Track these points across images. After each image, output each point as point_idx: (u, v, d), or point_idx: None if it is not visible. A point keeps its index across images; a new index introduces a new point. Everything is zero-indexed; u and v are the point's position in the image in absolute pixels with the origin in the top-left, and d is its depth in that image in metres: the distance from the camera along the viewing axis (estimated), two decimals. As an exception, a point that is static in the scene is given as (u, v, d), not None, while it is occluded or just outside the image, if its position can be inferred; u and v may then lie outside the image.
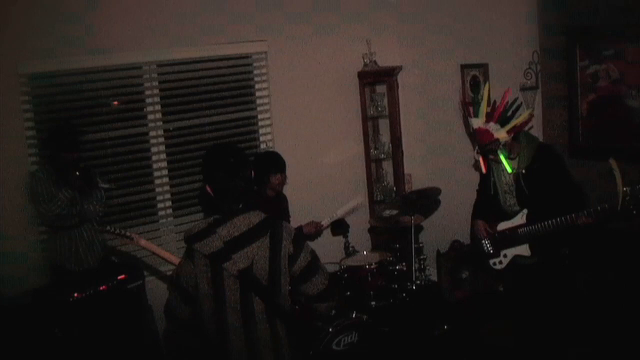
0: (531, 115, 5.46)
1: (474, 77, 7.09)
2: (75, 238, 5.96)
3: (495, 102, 5.19)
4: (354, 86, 7.75)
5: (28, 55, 6.21)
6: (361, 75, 7.73)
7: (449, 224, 7.61)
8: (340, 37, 7.63)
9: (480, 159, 5.31)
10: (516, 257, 5.47)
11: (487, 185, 5.59)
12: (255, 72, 7.41)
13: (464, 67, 7.19)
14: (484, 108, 5.15)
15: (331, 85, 7.67)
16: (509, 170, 5.20)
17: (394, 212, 6.47)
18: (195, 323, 3.70)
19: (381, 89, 7.86)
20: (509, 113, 5.12)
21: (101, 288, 5.71)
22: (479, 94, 5.65)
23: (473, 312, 6.60)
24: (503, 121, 5.09)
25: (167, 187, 7.03)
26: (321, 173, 7.66)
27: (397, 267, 6.29)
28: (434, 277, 7.32)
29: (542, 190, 5.21)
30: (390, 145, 7.83)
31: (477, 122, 5.18)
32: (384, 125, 7.94)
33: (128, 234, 4.55)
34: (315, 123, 7.61)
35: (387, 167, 8.03)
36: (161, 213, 7.03)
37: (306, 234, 6.20)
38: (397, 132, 7.73)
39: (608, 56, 5.79)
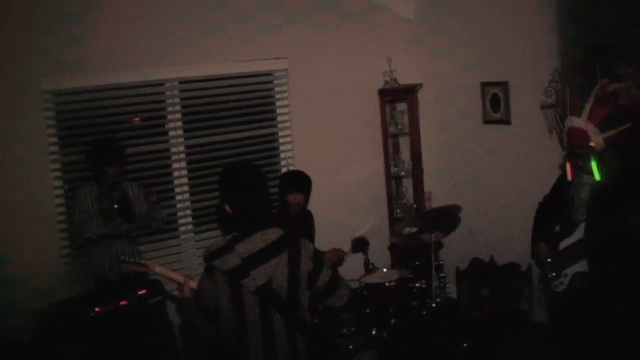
0: (628, 129, 5.07)
1: (494, 94, 7.09)
2: (115, 249, 6.11)
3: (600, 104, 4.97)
4: (374, 103, 7.78)
5: (52, 72, 6.29)
6: (382, 92, 7.75)
7: (468, 241, 7.60)
8: (360, 55, 7.67)
9: (568, 165, 5.14)
10: (576, 275, 5.26)
11: (562, 196, 5.36)
12: (277, 89, 7.46)
13: (484, 85, 7.20)
14: (589, 107, 4.98)
15: (352, 102, 7.70)
16: (597, 178, 4.95)
17: (414, 229, 6.46)
18: (218, 338, 3.72)
19: (401, 106, 7.88)
20: (612, 120, 4.93)
21: (122, 303, 5.73)
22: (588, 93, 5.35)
23: (493, 330, 6.58)
24: (603, 126, 4.91)
25: (187, 203, 7.07)
26: (341, 190, 7.68)
27: (417, 285, 6.25)
28: (454, 295, 7.30)
29: (608, 212, 4.94)
30: (411, 162, 7.82)
31: (577, 121, 4.95)
32: (404, 142, 7.95)
33: (142, 262, 4.57)
34: (336, 140, 7.64)
35: (407, 184, 8.02)
36: (182, 229, 7.07)
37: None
38: (417, 149, 7.74)
39: (628, 74, 5.76)
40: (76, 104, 6.55)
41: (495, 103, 7.10)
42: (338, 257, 6.32)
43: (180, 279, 4.08)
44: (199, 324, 3.73)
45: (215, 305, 3.61)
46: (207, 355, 5.51)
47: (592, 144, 4.90)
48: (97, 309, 5.60)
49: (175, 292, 4.08)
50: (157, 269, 4.37)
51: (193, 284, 3.91)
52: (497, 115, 7.13)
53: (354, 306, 3.92)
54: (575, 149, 5.01)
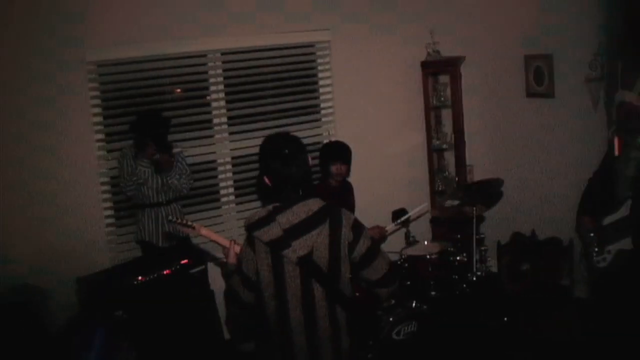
0: None
1: (538, 67, 7.02)
2: (161, 215, 6.22)
3: None
4: (416, 76, 7.72)
5: (96, 43, 6.34)
6: (424, 65, 7.70)
7: (510, 215, 7.57)
8: (403, 27, 7.61)
9: (616, 140, 5.07)
10: (619, 252, 5.20)
11: (609, 172, 5.27)
12: (319, 60, 7.45)
13: (528, 58, 7.12)
14: None
15: (394, 74, 7.65)
16: None
17: (456, 202, 6.46)
18: (258, 307, 3.74)
19: (444, 79, 7.82)
20: None
21: (165, 272, 5.80)
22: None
23: (533, 304, 6.55)
24: None
25: (229, 174, 7.12)
26: (382, 162, 7.66)
27: (458, 258, 6.25)
28: (494, 269, 7.28)
29: None
30: (453, 135, 7.77)
31: (629, 96, 4.87)
32: (446, 115, 7.89)
33: (190, 223, 4.61)
34: (378, 112, 7.61)
35: (449, 157, 7.97)
36: (224, 199, 7.12)
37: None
38: (460, 122, 7.68)
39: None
40: (119, 75, 6.60)
41: (539, 76, 7.02)
42: (379, 234, 6.31)
43: (226, 242, 4.10)
44: (239, 292, 3.75)
45: (256, 275, 3.63)
46: (246, 323, 5.58)
47: None
48: (140, 278, 5.68)
49: (222, 258, 4.10)
50: (204, 231, 4.40)
51: (238, 249, 3.92)
52: (540, 89, 7.06)
53: (391, 282, 3.81)
54: (625, 123, 4.91)
